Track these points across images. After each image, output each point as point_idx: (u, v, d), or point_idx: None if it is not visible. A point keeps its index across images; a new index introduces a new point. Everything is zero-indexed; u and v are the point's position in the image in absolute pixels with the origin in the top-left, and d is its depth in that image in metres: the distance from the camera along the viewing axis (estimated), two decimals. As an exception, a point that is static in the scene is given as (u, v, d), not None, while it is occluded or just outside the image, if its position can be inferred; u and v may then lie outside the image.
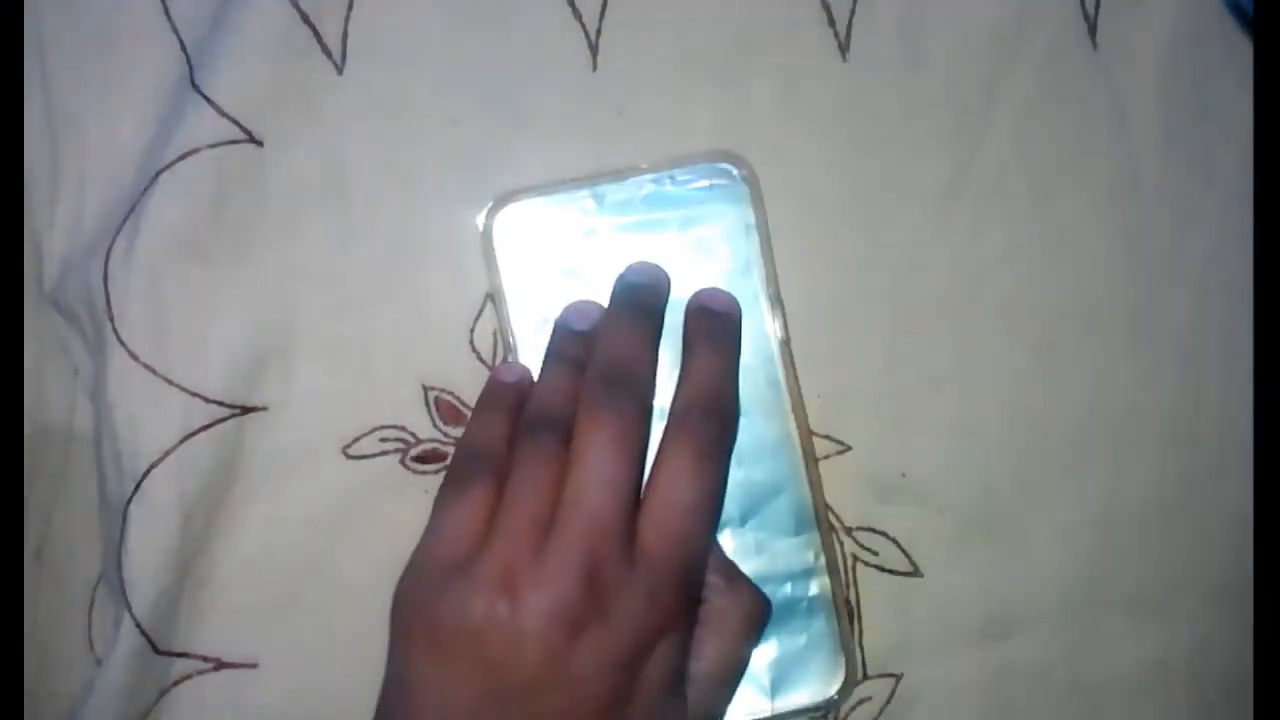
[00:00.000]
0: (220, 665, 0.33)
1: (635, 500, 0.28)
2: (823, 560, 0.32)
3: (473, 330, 0.33)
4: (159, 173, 0.32)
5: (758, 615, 0.30)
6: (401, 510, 0.31)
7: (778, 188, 0.33)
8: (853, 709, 0.33)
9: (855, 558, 0.34)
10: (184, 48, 0.33)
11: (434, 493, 0.29)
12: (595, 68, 0.34)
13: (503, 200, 0.33)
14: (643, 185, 0.33)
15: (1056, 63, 0.34)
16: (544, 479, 0.27)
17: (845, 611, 0.33)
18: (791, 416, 0.33)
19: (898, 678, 0.34)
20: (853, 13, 0.34)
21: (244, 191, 0.33)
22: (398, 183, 0.33)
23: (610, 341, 0.30)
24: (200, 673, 0.32)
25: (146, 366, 0.32)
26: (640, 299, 0.31)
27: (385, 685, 0.28)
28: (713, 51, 0.34)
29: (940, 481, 0.34)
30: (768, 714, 0.32)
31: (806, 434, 0.33)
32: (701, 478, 0.28)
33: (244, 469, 0.32)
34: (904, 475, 0.34)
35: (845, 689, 0.32)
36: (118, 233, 0.32)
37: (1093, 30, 0.34)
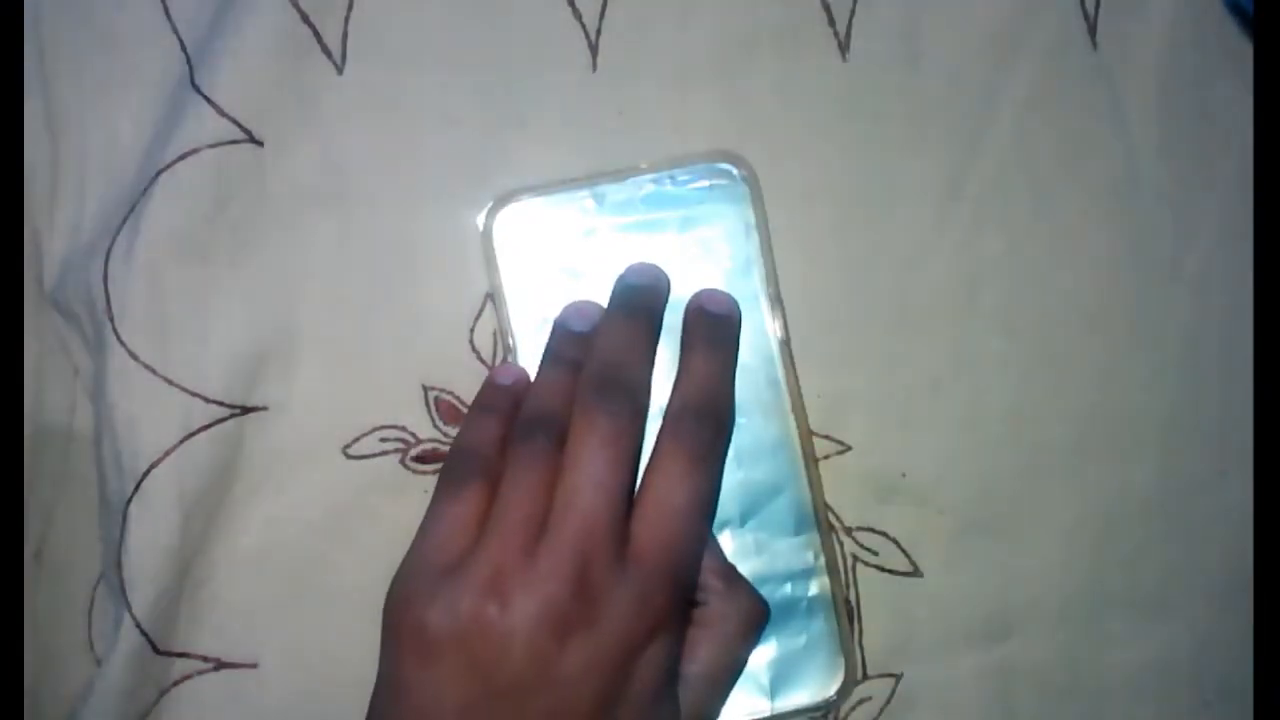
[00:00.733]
0: (220, 665, 0.33)
1: (628, 502, 0.28)
2: (822, 560, 0.32)
3: (473, 330, 0.33)
4: (159, 173, 0.32)
5: (756, 619, 0.30)
6: (401, 510, 0.31)
7: (778, 188, 0.33)
8: (853, 709, 0.33)
9: (855, 558, 0.34)
10: (184, 48, 0.33)
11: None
12: (595, 68, 0.34)
13: (503, 200, 0.33)
14: (643, 185, 0.33)
15: (1056, 63, 0.34)
16: (537, 481, 0.27)
17: (845, 611, 0.33)
18: (791, 416, 0.33)
19: (898, 678, 0.34)
20: (853, 13, 0.34)
21: (244, 191, 0.33)
22: (398, 183, 0.33)
23: (607, 343, 0.30)
24: (200, 673, 0.32)
25: (146, 366, 0.32)
26: (639, 300, 0.31)
27: (376, 686, 0.28)
28: (713, 51, 0.34)
29: (940, 481, 0.34)
30: (767, 714, 0.32)
31: (806, 434, 0.33)
32: (695, 480, 0.28)
33: (244, 469, 0.32)
34: (904, 475, 0.34)
35: (845, 689, 0.32)
36: (118, 233, 0.32)
37: (1093, 30, 0.34)
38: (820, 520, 0.33)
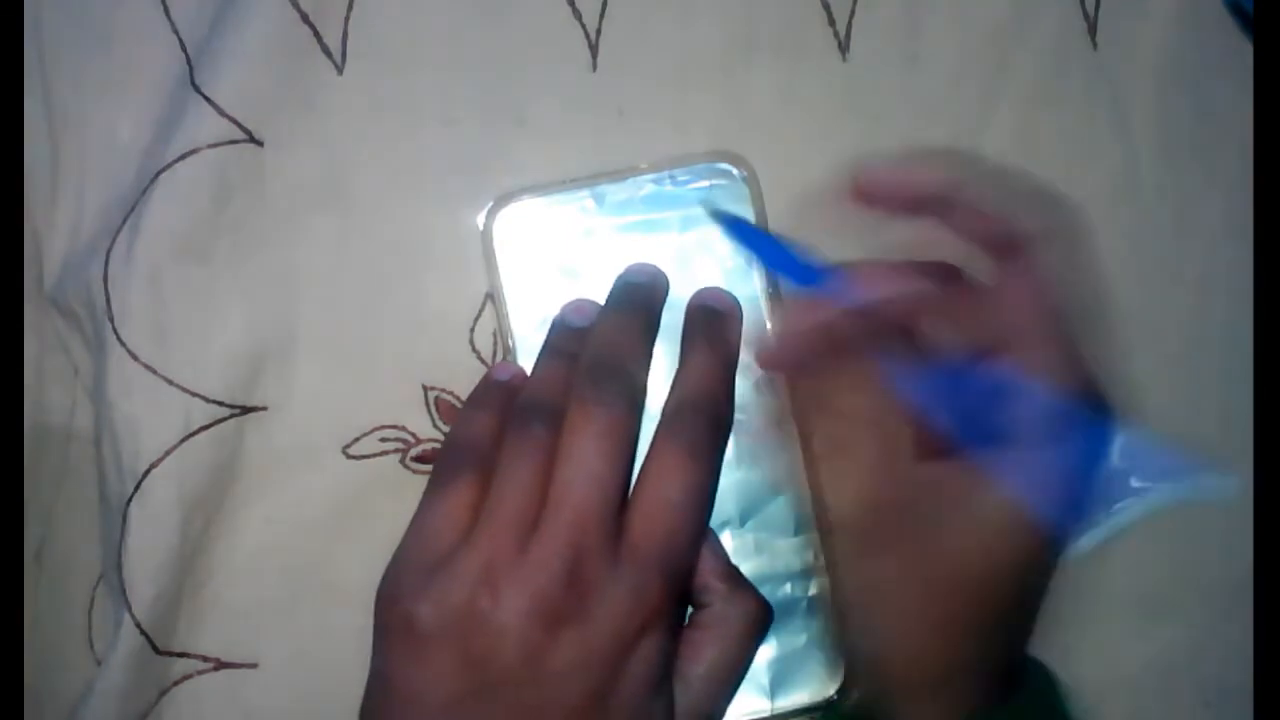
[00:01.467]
0: (220, 665, 0.33)
1: (623, 495, 0.27)
2: (823, 560, 0.32)
3: (473, 330, 0.33)
4: (159, 173, 0.32)
5: (759, 621, 0.30)
6: (401, 510, 0.31)
7: (778, 188, 0.33)
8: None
9: (855, 558, 0.33)
10: (184, 48, 0.33)
11: (433, 492, 0.29)
12: (595, 68, 0.34)
13: (503, 200, 0.33)
14: (643, 185, 0.33)
15: (1056, 63, 0.34)
16: (531, 471, 0.27)
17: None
18: (791, 416, 0.33)
19: (898, 678, 0.34)
20: (853, 13, 0.34)
21: (244, 191, 0.33)
22: (397, 182, 0.33)
23: (603, 336, 0.30)
24: (200, 673, 0.32)
25: (146, 366, 0.32)
26: (637, 297, 0.31)
27: (369, 680, 0.28)
28: (713, 51, 0.34)
29: (940, 481, 0.34)
30: (767, 714, 0.32)
31: (807, 434, 0.33)
32: (691, 475, 0.28)
33: (244, 469, 0.32)
34: (904, 475, 0.34)
35: (845, 689, 0.32)
36: (118, 233, 0.32)
37: (1093, 30, 0.34)
38: (820, 520, 0.32)
